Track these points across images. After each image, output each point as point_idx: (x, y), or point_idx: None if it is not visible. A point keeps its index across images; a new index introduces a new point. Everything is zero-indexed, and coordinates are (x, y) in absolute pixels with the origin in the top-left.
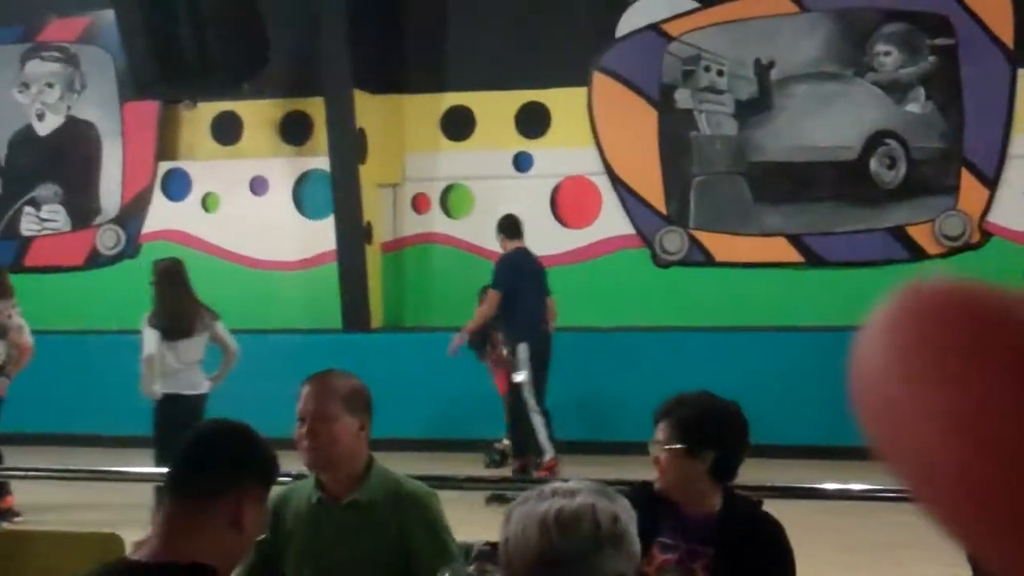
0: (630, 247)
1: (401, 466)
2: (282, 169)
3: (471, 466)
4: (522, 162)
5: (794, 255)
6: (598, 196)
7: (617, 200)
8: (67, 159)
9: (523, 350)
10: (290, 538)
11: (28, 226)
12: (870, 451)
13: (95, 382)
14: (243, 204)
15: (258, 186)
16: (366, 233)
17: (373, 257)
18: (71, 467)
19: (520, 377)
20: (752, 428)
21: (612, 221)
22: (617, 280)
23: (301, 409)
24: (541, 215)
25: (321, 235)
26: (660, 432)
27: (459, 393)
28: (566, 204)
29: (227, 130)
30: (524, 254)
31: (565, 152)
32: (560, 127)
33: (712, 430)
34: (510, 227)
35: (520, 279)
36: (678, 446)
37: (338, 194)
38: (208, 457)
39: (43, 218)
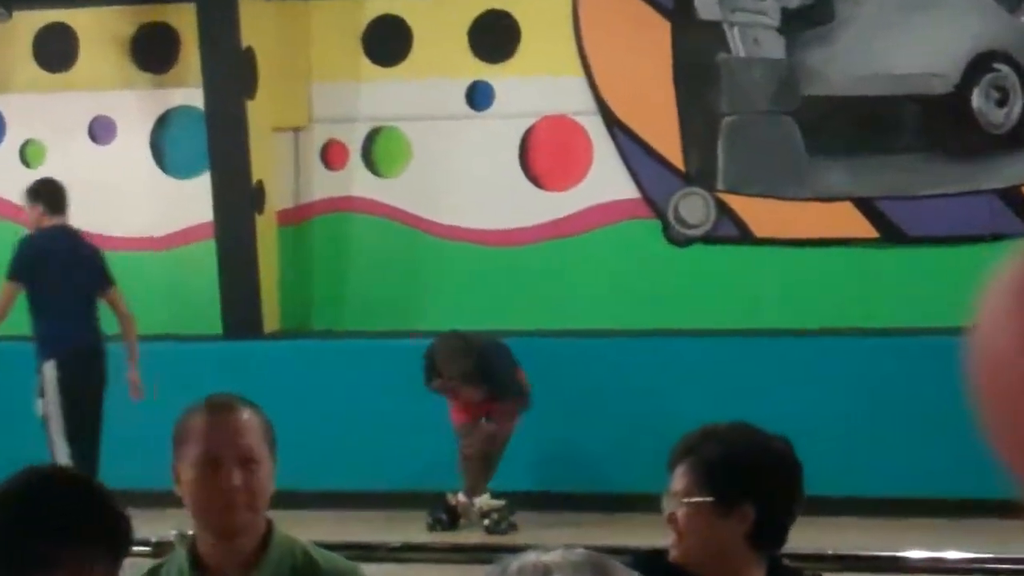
0: (633, 217)
1: (309, 532)
2: (135, 107)
3: (410, 528)
4: (479, 96)
5: (865, 227)
6: (587, 145)
7: (614, 150)
8: None
9: (49, 369)
10: None
11: None
12: (974, 505)
13: None
14: (79, 156)
15: (101, 131)
16: (256, 198)
17: (266, 232)
18: None
19: (42, 409)
20: (807, 473)
21: (607, 180)
22: (615, 264)
23: (211, 449)
24: (505, 171)
25: (191, 201)
26: (678, 480)
27: (393, 427)
28: (542, 156)
29: (55, 50)
30: (61, 234)
31: (540, 82)
32: (532, 47)
33: (751, 476)
34: (49, 196)
35: (46, 270)
36: (704, 499)
37: (215, 142)
38: (33, 520)
39: None
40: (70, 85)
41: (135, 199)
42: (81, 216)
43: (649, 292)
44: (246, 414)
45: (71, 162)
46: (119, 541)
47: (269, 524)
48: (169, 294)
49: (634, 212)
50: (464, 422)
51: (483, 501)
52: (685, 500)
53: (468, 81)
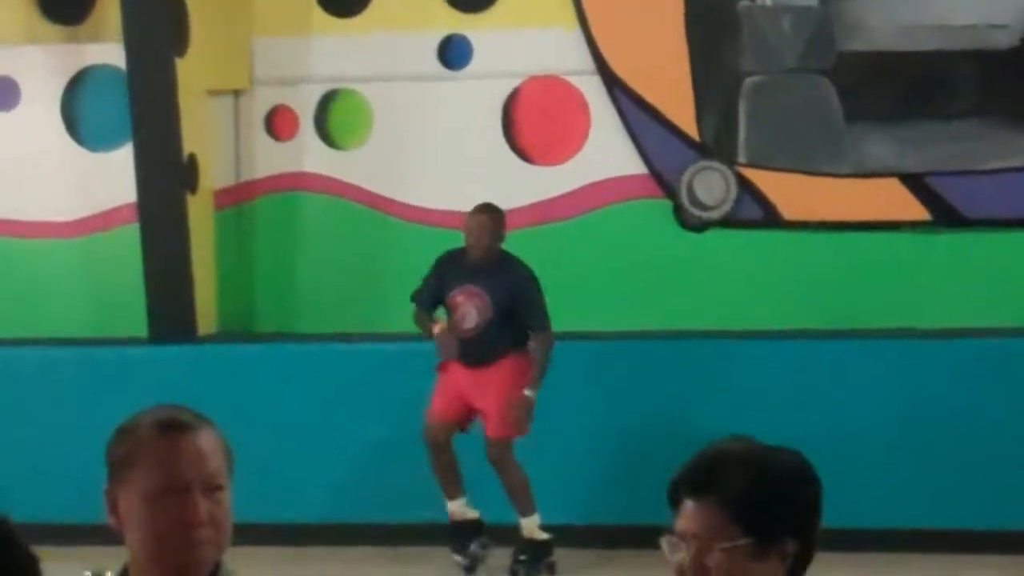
0: (639, 197)
1: (263, 570)
2: (43, 65)
3: (375, 567)
4: (454, 53)
5: (913, 208)
6: (584, 111)
7: (615, 117)
8: None
9: None
10: None
11: None
12: None
13: None
14: None
15: (2, 94)
16: (187, 174)
17: (200, 215)
18: None
19: None
20: (844, 502)
21: (607, 153)
22: (617, 253)
23: (171, 475)
24: (485, 142)
25: (110, 178)
26: (694, 519)
27: (353, 448)
28: (529, 124)
29: None
30: None
31: (526, 36)
32: None
33: (789, 506)
34: None
35: None
36: (742, 541)
37: (139, 108)
38: None
39: None
40: None
41: (43, 176)
42: None
43: (657, 286)
44: (207, 432)
45: None
46: None
47: (217, 562)
48: (84, 290)
49: (640, 191)
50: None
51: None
52: (721, 546)
53: (441, 35)
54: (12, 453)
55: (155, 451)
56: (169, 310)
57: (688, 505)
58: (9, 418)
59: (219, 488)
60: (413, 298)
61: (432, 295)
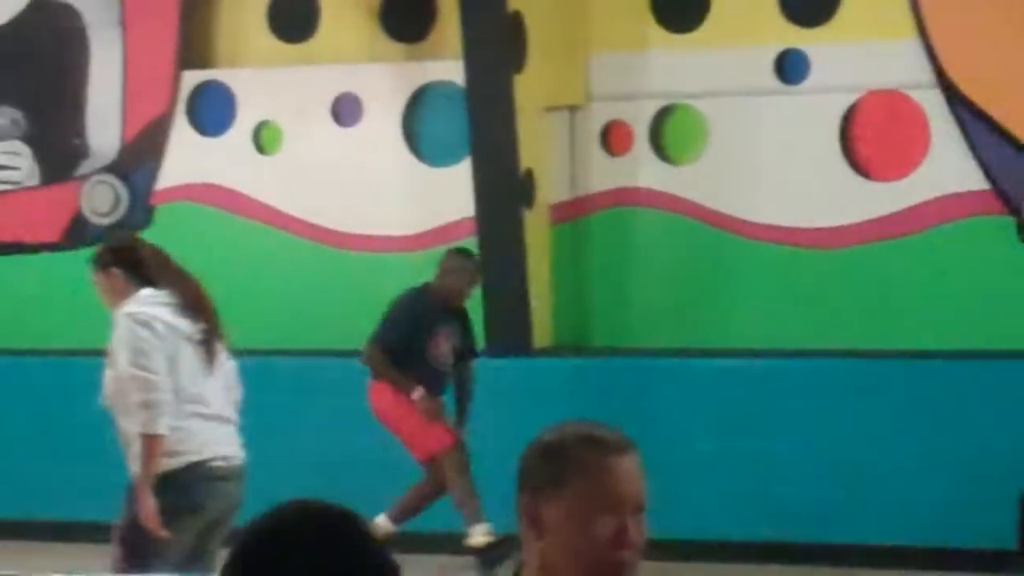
0: (980, 213)
1: None
2: (385, 82)
3: None
4: (791, 66)
5: None
6: (923, 125)
7: (957, 131)
8: (33, 69)
9: None
10: None
11: None
12: None
13: (79, 433)
14: (320, 140)
15: (346, 110)
16: (524, 190)
17: (537, 230)
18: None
19: None
20: None
21: (947, 169)
22: (956, 271)
23: (611, 496)
24: (824, 156)
25: (449, 193)
26: None
27: (688, 464)
28: (867, 139)
29: (294, 17)
30: None
31: (865, 49)
32: (856, 6)
33: None
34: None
35: None
36: None
37: (477, 124)
38: (291, 565)
39: None
40: (310, 58)
41: (384, 190)
42: (321, 210)
43: (999, 306)
44: (634, 453)
45: (311, 147)
46: None
47: None
48: None
49: (981, 207)
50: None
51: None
52: None
53: (778, 49)
54: (357, 460)
55: (594, 470)
56: (506, 323)
57: None
58: (349, 425)
59: (644, 509)
60: (379, 339)
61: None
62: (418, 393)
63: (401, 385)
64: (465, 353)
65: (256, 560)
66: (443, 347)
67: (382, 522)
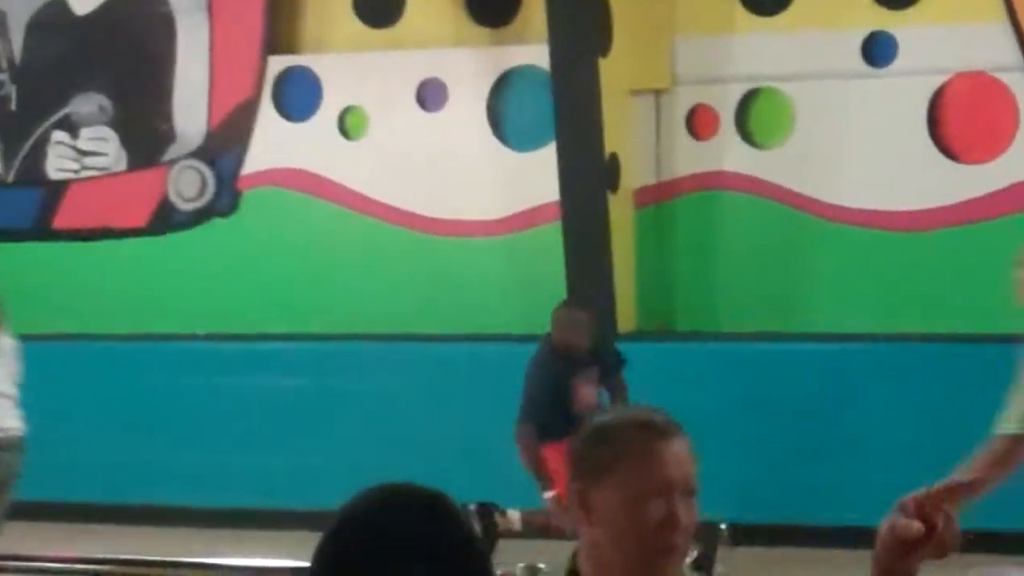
0: None
1: None
2: (470, 67)
3: None
4: (879, 49)
5: None
6: (1012, 107)
7: None
8: (120, 55)
9: None
10: None
11: (59, 163)
12: None
13: (165, 419)
14: (406, 125)
15: (431, 95)
16: (610, 173)
17: (621, 214)
18: (125, 556)
19: None
20: None
21: None
22: None
23: (660, 478)
24: (911, 140)
25: (533, 177)
26: None
27: (778, 450)
28: (956, 121)
29: (379, 2)
30: None
31: (953, 31)
32: None
33: None
34: None
35: None
36: None
37: (563, 108)
38: (387, 546)
39: (82, 150)
40: (395, 43)
41: (469, 175)
42: (406, 195)
43: None
44: (684, 436)
45: (396, 132)
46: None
47: None
48: (508, 287)
49: None
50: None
51: None
52: None
53: (865, 32)
54: (445, 442)
55: (642, 454)
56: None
57: None
58: (440, 409)
59: (694, 493)
60: (527, 419)
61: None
62: (549, 494)
63: (539, 480)
64: (609, 373)
65: (347, 543)
66: (586, 394)
67: (514, 517)
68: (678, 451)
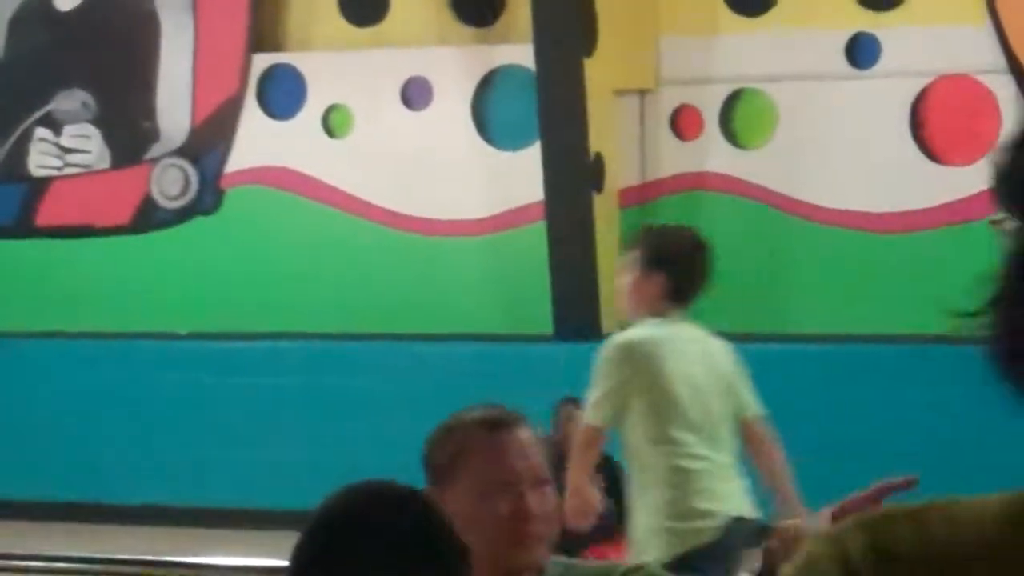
0: None
1: None
2: (455, 66)
3: None
4: (863, 51)
5: None
6: (994, 110)
7: None
8: (103, 51)
9: None
10: None
11: (42, 160)
12: None
13: (146, 417)
14: (390, 124)
15: (416, 94)
16: (594, 173)
17: (606, 214)
18: (104, 555)
19: None
20: None
21: None
22: None
23: (505, 469)
24: (895, 141)
25: (518, 177)
26: None
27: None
28: (938, 123)
29: (364, 1)
30: None
31: (936, 34)
32: None
33: None
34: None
35: None
36: None
37: (547, 108)
38: (362, 546)
39: (65, 147)
40: (380, 41)
41: (453, 174)
42: (390, 194)
43: None
44: (528, 427)
45: (381, 131)
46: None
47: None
48: (491, 287)
49: None
50: None
51: None
52: None
53: (848, 33)
54: (414, 444)
55: (485, 447)
56: (574, 307)
57: None
58: (422, 409)
59: (546, 482)
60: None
61: None
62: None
63: None
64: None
65: (326, 540)
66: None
67: None
68: (521, 442)
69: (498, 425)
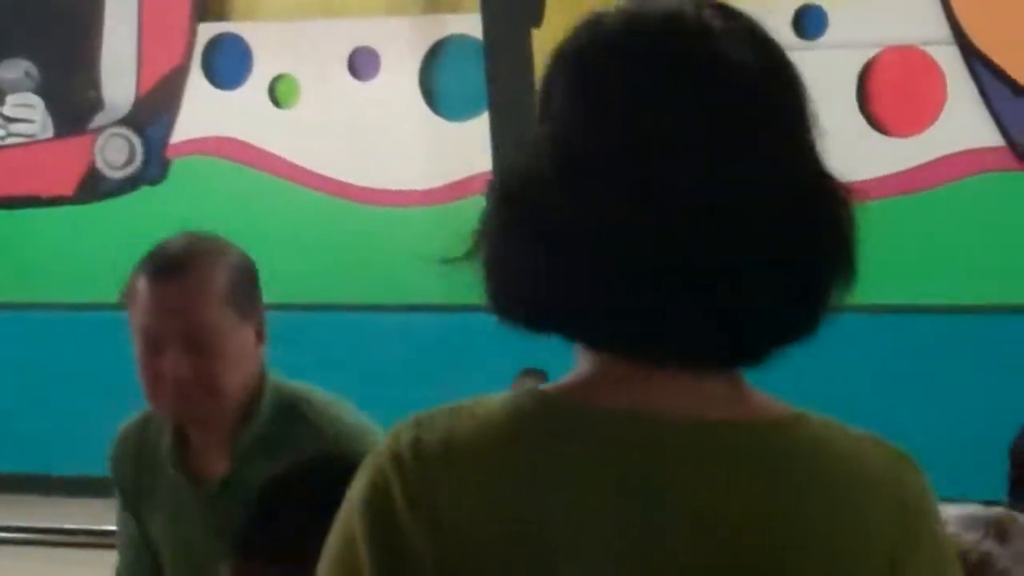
0: (996, 169)
1: None
2: (402, 36)
3: None
4: (809, 23)
5: None
6: (940, 82)
7: (974, 89)
8: (46, 20)
9: None
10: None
11: None
12: None
13: (93, 390)
14: (337, 94)
15: (363, 64)
16: None
17: None
18: (46, 526)
19: None
20: None
21: (964, 124)
22: (973, 225)
23: (153, 328)
24: (842, 112)
25: (466, 148)
26: None
27: None
28: (885, 95)
29: None
30: None
31: (883, 5)
32: None
33: None
34: None
35: None
36: None
37: (496, 79)
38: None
39: (8, 116)
40: (327, 11)
41: (400, 145)
42: (337, 164)
43: (1015, 261)
44: (200, 273)
45: (328, 101)
46: None
47: (261, 379)
48: (438, 258)
49: (997, 163)
50: None
51: None
52: None
53: (796, 4)
54: (372, 413)
55: (130, 295)
56: None
57: None
58: (368, 379)
59: (202, 349)
60: None
61: None
62: None
63: None
64: None
65: (276, 507)
66: None
67: None
68: (158, 297)
69: (150, 271)
